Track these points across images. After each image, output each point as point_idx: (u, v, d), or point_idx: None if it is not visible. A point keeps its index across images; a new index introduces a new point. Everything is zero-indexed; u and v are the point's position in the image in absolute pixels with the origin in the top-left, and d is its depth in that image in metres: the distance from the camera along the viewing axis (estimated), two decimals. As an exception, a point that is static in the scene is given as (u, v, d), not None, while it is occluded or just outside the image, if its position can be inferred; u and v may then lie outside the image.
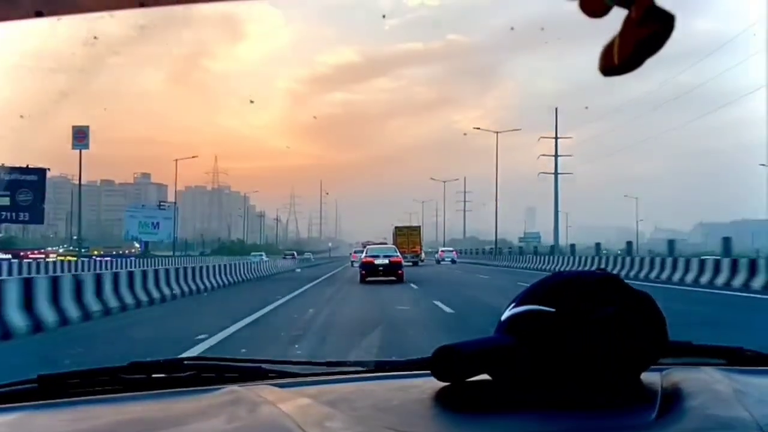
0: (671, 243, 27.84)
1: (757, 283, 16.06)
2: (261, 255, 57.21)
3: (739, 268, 17.38)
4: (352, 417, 0.78)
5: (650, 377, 0.89)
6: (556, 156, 51.85)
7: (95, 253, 55.41)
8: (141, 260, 41.63)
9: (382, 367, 1.12)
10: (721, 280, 17.81)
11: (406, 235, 47.51)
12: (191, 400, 0.93)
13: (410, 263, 40.56)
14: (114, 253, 56.15)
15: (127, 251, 61.66)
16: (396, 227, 49.88)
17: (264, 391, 0.91)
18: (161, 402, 0.97)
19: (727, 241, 22.40)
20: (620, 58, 0.59)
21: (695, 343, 1.07)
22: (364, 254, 23.01)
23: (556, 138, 52.15)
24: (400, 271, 21.25)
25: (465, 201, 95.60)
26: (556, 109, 52.73)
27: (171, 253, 58.42)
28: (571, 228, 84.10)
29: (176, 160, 61.80)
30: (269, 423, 0.77)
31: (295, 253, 71.15)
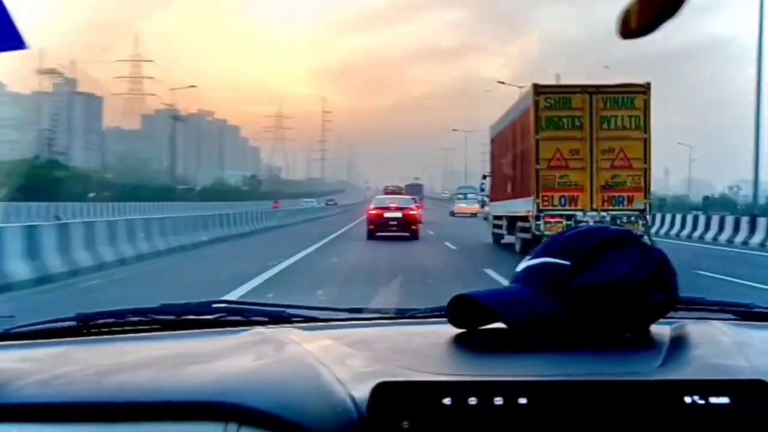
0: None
1: None
2: (312, 201, 58.46)
3: None
4: (371, 357, 0.82)
5: (661, 329, 0.93)
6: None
7: None
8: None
9: (401, 315, 1.17)
10: None
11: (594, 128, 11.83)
12: (220, 339, 0.98)
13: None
14: None
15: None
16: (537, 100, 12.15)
17: (289, 333, 0.96)
18: (191, 340, 1.02)
19: None
20: (638, 22, 0.61)
21: (708, 299, 1.11)
22: (372, 205, 19.18)
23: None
24: (414, 227, 17.82)
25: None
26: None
27: None
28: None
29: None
30: (294, 360, 0.82)
31: (336, 200, 69.29)
